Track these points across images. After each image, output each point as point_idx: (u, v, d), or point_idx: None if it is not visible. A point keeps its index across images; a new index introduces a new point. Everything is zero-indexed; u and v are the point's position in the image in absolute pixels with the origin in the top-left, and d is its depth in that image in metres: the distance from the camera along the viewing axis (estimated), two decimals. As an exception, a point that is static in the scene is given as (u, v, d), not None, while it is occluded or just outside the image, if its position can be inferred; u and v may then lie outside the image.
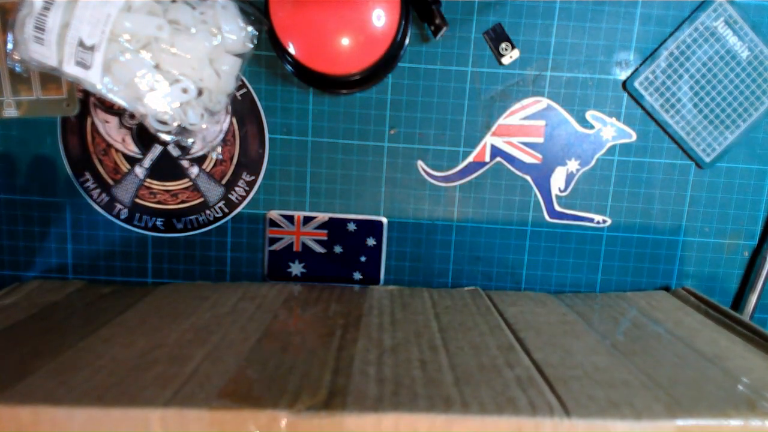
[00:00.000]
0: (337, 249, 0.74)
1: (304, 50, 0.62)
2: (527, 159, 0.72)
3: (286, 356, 0.49)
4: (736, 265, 0.75)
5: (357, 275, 0.74)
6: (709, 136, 0.71)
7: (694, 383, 0.47)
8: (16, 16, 0.56)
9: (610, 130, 0.72)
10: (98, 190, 0.71)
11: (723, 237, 0.74)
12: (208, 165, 0.71)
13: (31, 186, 0.71)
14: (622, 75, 0.71)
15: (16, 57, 0.57)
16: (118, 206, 0.71)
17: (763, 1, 0.69)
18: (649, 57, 0.70)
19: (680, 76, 0.70)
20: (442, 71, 0.70)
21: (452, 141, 0.72)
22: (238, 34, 0.61)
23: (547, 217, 0.73)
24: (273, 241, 0.73)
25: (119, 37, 0.56)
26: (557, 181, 0.72)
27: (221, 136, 0.70)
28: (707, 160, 0.72)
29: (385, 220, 0.73)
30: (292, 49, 0.61)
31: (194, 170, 0.71)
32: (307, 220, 0.73)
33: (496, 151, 0.72)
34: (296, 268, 0.74)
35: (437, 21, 0.63)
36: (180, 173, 0.71)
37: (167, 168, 0.71)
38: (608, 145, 0.72)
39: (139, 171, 0.71)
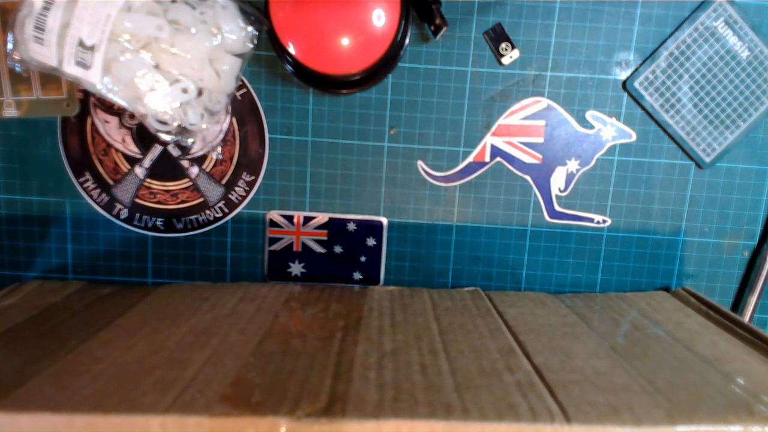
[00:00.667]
0: (337, 249, 0.74)
1: (304, 50, 0.62)
2: (527, 159, 0.72)
3: (286, 360, 0.49)
4: (736, 265, 0.75)
5: (357, 275, 0.74)
6: (709, 136, 0.71)
7: (694, 387, 0.47)
8: (16, 16, 0.56)
9: (610, 130, 0.72)
10: (98, 190, 0.71)
11: (723, 237, 0.74)
12: (208, 165, 0.71)
13: (31, 186, 0.71)
14: (622, 75, 0.71)
15: (16, 57, 0.57)
16: (118, 206, 0.71)
17: (763, 1, 0.69)
18: (649, 57, 0.70)
19: (680, 76, 0.70)
20: (442, 71, 0.70)
21: (452, 141, 0.71)
22: (238, 34, 0.61)
23: (547, 217, 0.73)
24: (273, 241, 0.73)
25: (119, 37, 0.56)
26: (557, 181, 0.72)
27: (221, 136, 0.70)
28: (707, 160, 0.72)
29: (385, 220, 0.73)
30: (292, 49, 0.61)
31: (194, 170, 0.71)
32: (307, 220, 0.73)
33: (496, 151, 0.72)
34: (296, 268, 0.74)
35: (437, 21, 0.63)
36: (180, 173, 0.71)
37: (167, 168, 0.71)
38: (608, 145, 0.72)
39: (139, 171, 0.71)
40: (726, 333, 0.60)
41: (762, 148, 0.72)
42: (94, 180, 0.71)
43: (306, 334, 0.55)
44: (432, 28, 0.64)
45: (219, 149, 0.70)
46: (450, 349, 0.53)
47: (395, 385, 0.45)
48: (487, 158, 0.72)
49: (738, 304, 0.75)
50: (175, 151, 0.70)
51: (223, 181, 0.71)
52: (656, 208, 0.73)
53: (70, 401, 0.41)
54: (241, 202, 0.72)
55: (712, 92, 0.71)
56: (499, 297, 0.69)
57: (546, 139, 0.72)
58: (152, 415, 0.40)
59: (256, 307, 0.62)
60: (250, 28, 0.62)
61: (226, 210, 0.72)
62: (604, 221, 0.73)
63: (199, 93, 0.61)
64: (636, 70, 0.70)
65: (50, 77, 0.67)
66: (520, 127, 0.71)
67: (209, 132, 0.70)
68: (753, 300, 0.73)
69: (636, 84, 0.70)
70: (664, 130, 0.71)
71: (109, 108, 0.69)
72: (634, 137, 0.72)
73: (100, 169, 0.70)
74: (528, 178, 0.72)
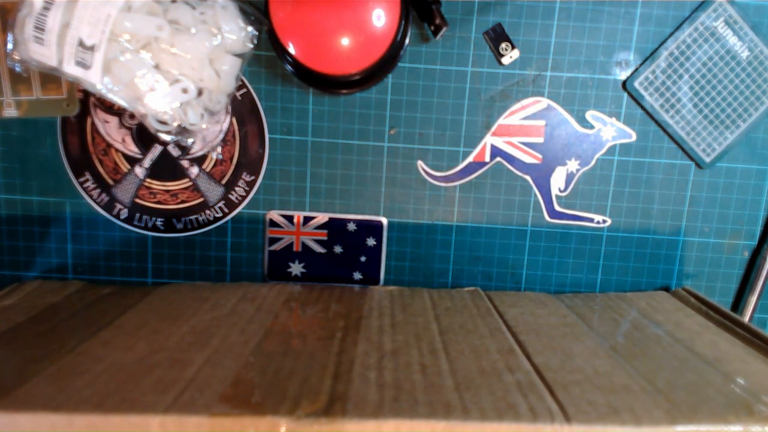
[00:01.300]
0: (337, 249, 0.74)
1: (304, 50, 0.62)
2: (527, 159, 0.72)
3: (286, 360, 0.49)
4: (736, 265, 0.75)
5: (357, 275, 0.74)
6: (709, 136, 0.71)
7: (694, 387, 0.47)
8: (16, 16, 0.56)
9: (610, 130, 0.72)
10: (98, 190, 0.71)
11: (723, 237, 0.74)
12: (208, 165, 0.71)
13: (31, 186, 0.71)
14: (622, 75, 0.71)
15: (16, 57, 0.57)
16: (118, 206, 0.71)
17: (763, 1, 0.69)
18: (649, 57, 0.70)
19: (680, 76, 0.70)
20: (442, 71, 0.70)
21: (452, 141, 0.71)
22: (238, 34, 0.61)
23: (547, 217, 0.73)
24: (273, 241, 0.73)
25: (119, 37, 0.56)
26: (557, 181, 0.72)
27: (221, 136, 0.70)
28: (707, 160, 0.72)
29: (385, 220, 0.73)
30: (292, 49, 0.61)
31: (194, 170, 0.71)
32: (307, 220, 0.73)
33: (496, 151, 0.72)
34: (296, 268, 0.74)
35: (437, 21, 0.63)
36: (180, 173, 0.71)
37: (167, 168, 0.71)
38: (608, 145, 0.72)
39: (139, 171, 0.71)
40: (726, 333, 0.60)
41: (762, 148, 0.72)
42: (94, 180, 0.71)
43: (306, 334, 0.55)
44: (432, 28, 0.64)
45: (219, 149, 0.70)
46: (450, 349, 0.53)
47: (395, 385, 0.45)
48: (487, 158, 0.72)
49: (738, 304, 0.75)
50: (175, 151, 0.70)
51: (223, 181, 0.71)
52: (656, 208, 0.73)
53: (70, 401, 0.41)
54: (241, 202, 0.72)
55: (712, 92, 0.71)
56: (499, 297, 0.69)
57: (546, 139, 0.72)
58: (152, 415, 0.40)
59: (256, 307, 0.62)
60: (250, 28, 0.62)
61: (226, 210, 0.72)
62: (604, 221, 0.73)
63: (199, 93, 0.61)
64: (636, 70, 0.70)
65: (50, 77, 0.67)
66: (520, 127, 0.71)
67: (209, 132, 0.70)
68: (753, 300, 0.73)
69: (636, 84, 0.70)
70: (664, 130, 0.71)
71: (109, 108, 0.69)
72: (634, 137, 0.72)
73: (100, 169, 0.70)
74: (528, 178, 0.72)
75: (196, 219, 0.72)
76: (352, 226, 0.73)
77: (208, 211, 0.72)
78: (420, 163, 0.72)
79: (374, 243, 0.73)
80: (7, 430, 0.39)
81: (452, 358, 0.51)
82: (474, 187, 0.72)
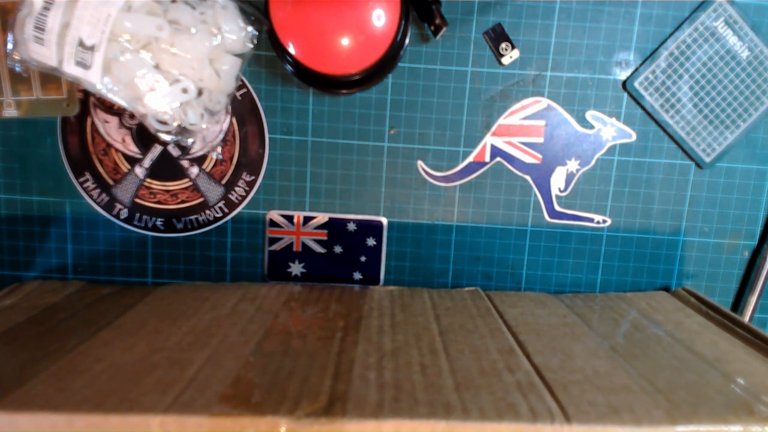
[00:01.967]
0: (337, 249, 0.74)
1: (304, 50, 0.62)
2: (527, 159, 0.72)
3: (286, 360, 0.49)
4: (736, 265, 0.75)
5: (357, 275, 0.74)
6: (709, 136, 0.71)
7: (694, 387, 0.47)
8: (16, 16, 0.56)
9: (610, 130, 0.72)
10: (98, 190, 0.71)
11: (723, 237, 0.74)
12: (208, 165, 0.71)
13: (31, 186, 0.71)
14: (622, 75, 0.71)
15: (16, 57, 0.57)
16: (118, 206, 0.71)
17: (763, 1, 0.69)
18: (649, 57, 0.70)
19: (680, 76, 0.70)
20: (442, 71, 0.70)
21: (452, 141, 0.71)
22: (238, 34, 0.61)
23: (547, 217, 0.73)
24: (273, 241, 0.73)
25: (119, 37, 0.56)
26: (557, 181, 0.72)
27: (221, 136, 0.70)
28: (707, 160, 0.72)
29: (385, 220, 0.73)
30: (292, 49, 0.61)
31: (194, 170, 0.71)
32: (307, 220, 0.73)
33: (496, 151, 0.72)
34: (296, 268, 0.74)
35: (437, 21, 0.63)
36: (180, 173, 0.71)
37: (167, 168, 0.71)
38: (608, 145, 0.72)
39: (139, 171, 0.71)
40: (726, 333, 0.60)
41: (762, 148, 0.72)
42: (94, 180, 0.71)
43: (306, 334, 0.55)
44: (432, 28, 0.64)
45: (219, 149, 0.70)
46: (450, 349, 0.53)
47: (395, 385, 0.45)
48: (487, 158, 0.72)
49: (738, 304, 0.75)
50: (175, 151, 0.70)
51: (223, 181, 0.71)
52: (656, 208, 0.73)
53: (70, 401, 0.41)
54: (241, 202, 0.72)
55: (712, 92, 0.71)
56: (499, 297, 0.69)
57: (546, 139, 0.72)
58: (152, 415, 0.40)
59: (256, 307, 0.62)
60: (250, 28, 0.62)
61: (226, 210, 0.72)
62: (604, 221, 0.73)
63: (199, 93, 0.61)
64: (636, 70, 0.70)
65: (50, 77, 0.67)
66: (520, 127, 0.71)
67: (209, 132, 0.70)
68: (753, 300, 0.73)
69: (636, 84, 0.70)
70: (664, 130, 0.71)
71: (109, 108, 0.69)
72: (634, 137, 0.72)
73: (100, 169, 0.70)
74: (528, 178, 0.72)
75: (196, 219, 0.72)
76: (352, 226, 0.73)
77: (208, 211, 0.72)
78: (420, 163, 0.72)
79: (374, 243, 0.73)
80: (7, 430, 0.39)
81: (452, 358, 0.51)
82: (474, 187, 0.72)
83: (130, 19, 0.56)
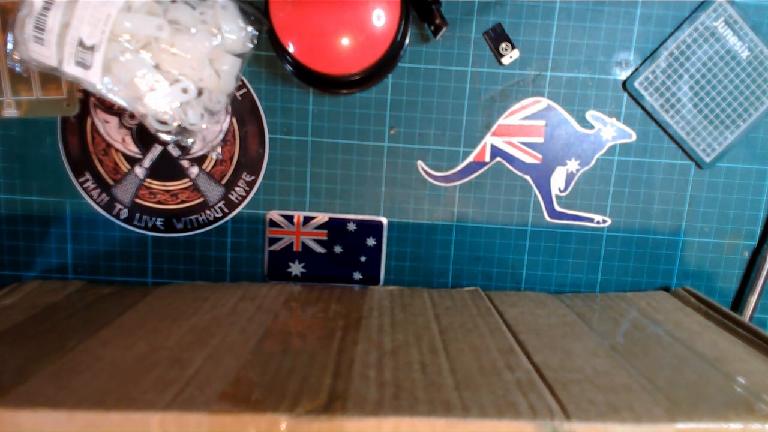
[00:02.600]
0: (337, 249, 0.74)
1: (304, 50, 0.62)
2: (527, 159, 0.72)
3: (286, 359, 0.49)
4: (736, 265, 0.75)
5: (357, 275, 0.74)
6: (709, 136, 0.71)
7: (694, 386, 0.48)
8: (16, 16, 0.56)
9: (610, 130, 0.72)
10: (98, 190, 0.71)
11: (723, 237, 0.74)
12: (208, 165, 0.71)
13: (31, 186, 0.71)
14: (622, 75, 0.71)
15: (16, 57, 0.57)
16: (118, 206, 0.71)
17: (763, 1, 0.69)
18: (649, 57, 0.70)
19: (680, 76, 0.70)
20: (442, 71, 0.70)
21: (452, 141, 0.71)
22: (238, 34, 0.61)
23: (547, 217, 0.73)
24: (273, 241, 0.73)
25: (119, 37, 0.56)
26: (557, 181, 0.72)
27: (221, 136, 0.70)
28: (707, 160, 0.72)
29: (385, 220, 0.73)
30: (292, 49, 0.61)
31: (194, 170, 0.71)
32: (307, 220, 0.73)
33: (496, 151, 0.72)
34: (296, 268, 0.74)
35: (437, 21, 0.63)
36: (180, 173, 0.71)
37: (167, 168, 0.71)
38: (608, 145, 0.72)
39: (139, 171, 0.71)
40: (726, 332, 0.60)
41: (762, 148, 0.72)
42: (94, 180, 0.71)
43: (306, 333, 0.55)
44: (432, 28, 0.64)
45: (219, 149, 0.70)
46: (450, 347, 0.53)
47: (395, 384, 0.45)
48: (487, 158, 0.72)
49: (738, 304, 0.75)
50: (175, 151, 0.70)
51: (223, 181, 0.71)
52: (656, 208, 0.73)
53: (71, 399, 0.41)
54: (241, 202, 0.72)
55: (712, 92, 0.71)
56: (499, 297, 0.69)
57: (546, 139, 0.72)
58: (152, 413, 0.40)
59: (256, 307, 0.62)
60: (250, 28, 0.62)
61: (226, 210, 0.72)
62: (604, 221, 0.73)
63: (199, 93, 0.61)
64: (636, 70, 0.70)
65: (50, 77, 0.67)
66: (520, 127, 0.71)
67: (209, 132, 0.70)
68: (753, 300, 0.73)
69: (636, 84, 0.70)
70: (664, 130, 0.71)
71: (109, 108, 0.69)
72: (634, 137, 0.72)
73: (100, 169, 0.70)
74: (528, 178, 0.72)
75: (196, 219, 0.72)
76: (352, 226, 0.73)
77: (208, 211, 0.72)
78: (420, 163, 0.72)
79: (374, 243, 0.73)
80: (7, 427, 0.40)
81: (452, 356, 0.51)
82: (474, 187, 0.72)
83: (130, 19, 0.56)
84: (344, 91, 0.67)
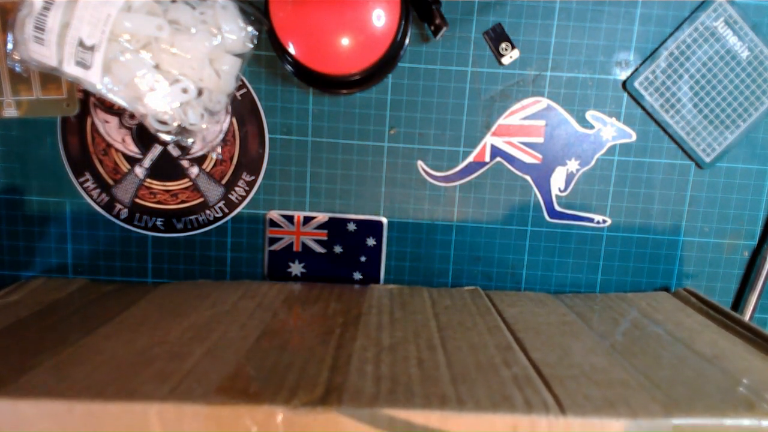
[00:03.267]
0: (337, 249, 0.74)
1: (304, 50, 0.62)
2: (527, 159, 0.72)
3: (285, 354, 0.49)
4: (736, 265, 0.75)
5: (357, 275, 0.74)
6: (709, 136, 0.71)
7: (693, 383, 0.47)
8: (16, 16, 0.56)
9: (610, 130, 0.72)
10: (98, 190, 0.71)
11: (723, 237, 0.74)
12: (208, 165, 0.71)
13: (31, 186, 0.71)
14: (622, 75, 0.71)
15: (16, 57, 0.57)
16: (118, 206, 0.72)
17: (763, 1, 0.69)
18: (649, 57, 0.70)
19: (680, 76, 0.70)
20: (442, 71, 0.70)
21: (452, 141, 0.72)
22: (238, 34, 0.61)
23: (547, 217, 0.73)
24: (273, 241, 0.73)
25: (119, 37, 0.56)
26: (557, 181, 0.73)
27: (221, 136, 0.71)
28: (707, 160, 0.72)
29: (385, 220, 0.73)
30: (292, 49, 0.62)
31: (194, 170, 0.71)
32: (307, 220, 0.73)
33: (496, 151, 0.72)
34: (296, 268, 0.74)
35: (437, 21, 0.63)
36: (180, 173, 0.71)
37: (167, 168, 0.71)
38: (608, 145, 0.72)
39: (139, 171, 0.71)
40: (726, 332, 0.60)
41: (762, 148, 0.72)
42: (94, 180, 0.71)
43: (305, 330, 0.56)
44: (432, 28, 0.65)
45: (219, 149, 0.71)
46: (448, 344, 0.53)
47: (392, 378, 0.45)
48: (487, 158, 0.72)
49: (738, 304, 0.75)
50: (175, 151, 0.71)
51: (223, 181, 0.72)
52: (656, 208, 0.73)
53: (71, 390, 0.41)
54: (241, 202, 0.72)
55: (712, 92, 0.71)
56: (498, 296, 0.69)
57: (546, 139, 0.72)
58: (150, 403, 0.40)
59: (256, 304, 0.62)
60: (250, 28, 0.62)
61: (226, 210, 0.72)
62: (604, 221, 0.73)
63: (199, 93, 0.61)
64: (636, 70, 0.70)
65: (50, 77, 0.67)
66: (520, 127, 0.71)
67: (209, 132, 0.70)
68: (753, 300, 0.73)
69: (636, 84, 0.70)
70: (664, 130, 0.71)
71: (109, 108, 0.69)
72: (634, 137, 0.72)
73: (100, 169, 0.71)
74: (528, 178, 0.72)
75: (196, 219, 0.72)
76: (352, 226, 0.73)
77: (208, 211, 0.72)
78: (420, 163, 0.72)
79: (374, 243, 0.73)
80: (8, 417, 0.40)
81: (450, 353, 0.51)
82: (474, 187, 0.73)
83: (130, 19, 0.56)
84: (344, 91, 0.67)
